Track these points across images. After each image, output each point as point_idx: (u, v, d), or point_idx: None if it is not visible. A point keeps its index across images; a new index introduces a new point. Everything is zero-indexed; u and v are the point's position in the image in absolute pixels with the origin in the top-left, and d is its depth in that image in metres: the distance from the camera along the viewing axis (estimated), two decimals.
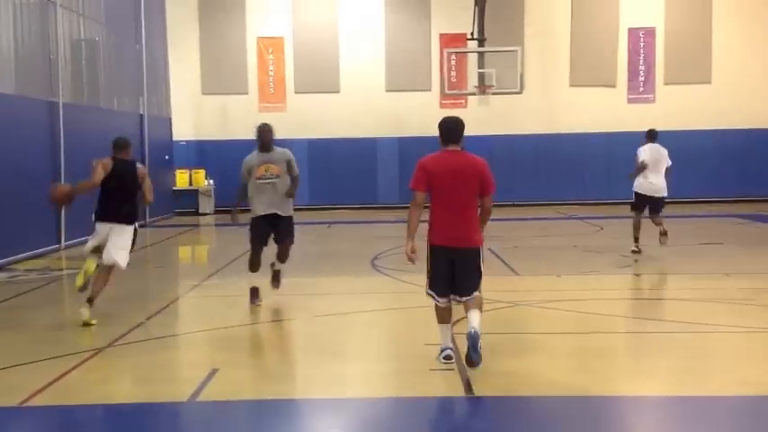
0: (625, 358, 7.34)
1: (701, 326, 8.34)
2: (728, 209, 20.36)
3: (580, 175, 23.23)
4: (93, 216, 8.94)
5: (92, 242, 8.86)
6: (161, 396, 6.14)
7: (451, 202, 6.50)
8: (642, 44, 23.50)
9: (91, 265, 8.77)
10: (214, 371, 6.62)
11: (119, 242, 8.75)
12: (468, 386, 6.17)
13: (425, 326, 8.54)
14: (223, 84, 23.51)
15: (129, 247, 8.95)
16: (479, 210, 6.69)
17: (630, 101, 23.55)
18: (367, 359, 7.38)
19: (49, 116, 14.83)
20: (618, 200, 20.98)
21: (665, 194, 13.03)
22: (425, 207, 6.58)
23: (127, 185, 9.10)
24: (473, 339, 6.34)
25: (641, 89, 23.59)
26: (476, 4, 21.08)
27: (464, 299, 6.56)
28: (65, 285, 11.93)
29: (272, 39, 23.57)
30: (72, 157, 15.26)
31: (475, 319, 6.42)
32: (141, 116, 19.98)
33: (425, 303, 9.79)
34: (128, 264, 8.85)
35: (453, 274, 6.53)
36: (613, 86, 23.52)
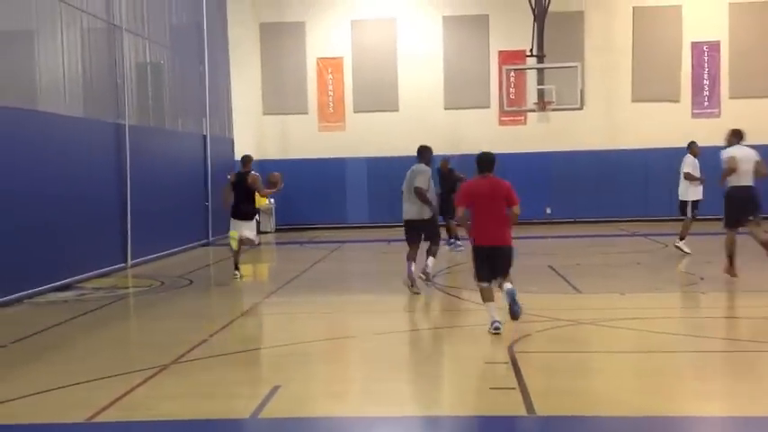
0: (688, 378, 7.18)
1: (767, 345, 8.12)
2: None
3: (643, 191, 22.85)
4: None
5: (232, 229, 13.28)
6: (224, 413, 6.22)
7: (488, 213, 8.70)
8: (706, 58, 23.08)
9: (233, 242, 13.24)
10: (276, 388, 6.69)
11: (246, 231, 13.25)
12: (529, 405, 6.11)
13: (485, 344, 8.50)
14: (283, 104, 23.85)
15: (255, 230, 13.47)
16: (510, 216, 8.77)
17: (695, 115, 23.13)
18: (427, 377, 7.36)
19: (115, 138, 15.23)
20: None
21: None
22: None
23: (242, 191, 13.11)
24: (511, 294, 8.62)
25: (706, 103, 23.15)
26: (535, 20, 21.01)
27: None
28: (131, 303, 12.20)
29: (332, 59, 23.84)
30: (138, 178, 15.63)
31: (508, 284, 8.67)
32: (204, 137, 20.37)
33: (484, 322, 9.76)
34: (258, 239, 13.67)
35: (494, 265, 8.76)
36: (677, 101, 23.14)
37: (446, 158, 17.44)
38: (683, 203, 15.39)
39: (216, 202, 20.53)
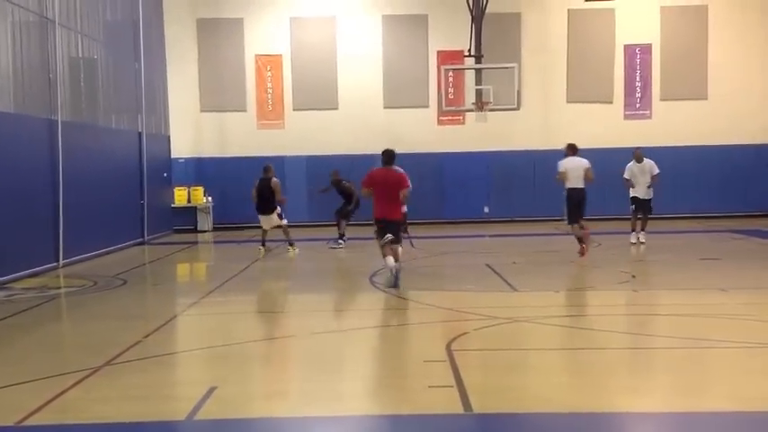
0: (621, 374, 7.34)
1: (698, 341, 8.35)
2: (725, 224, 20.40)
3: None
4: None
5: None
6: (159, 414, 6.13)
7: (383, 195, 11.68)
8: (638, 60, 23.62)
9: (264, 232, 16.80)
10: (212, 389, 6.62)
11: (271, 220, 16.65)
12: (466, 403, 6.17)
13: (423, 342, 8.56)
14: (221, 101, 23.60)
15: (278, 217, 16.62)
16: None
17: (627, 117, 23.64)
18: (365, 376, 7.38)
19: (48, 134, 14.88)
20: (614, 215, 21.07)
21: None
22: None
23: (264, 194, 16.57)
24: (397, 270, 11.53)
25: (638, 105, 23.69)
26: (473, 21, 21.21)
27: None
28: (62, 303, 11.93)
29: (271, 56, 23.68)
30: (70, 175, 15.30)
31: (397, 262, 11.58)
32: (139, 134, 20.03)
33: (424, 320, 9.81)
34: (282, 220, 16.66)
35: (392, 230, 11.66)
36: (610, 102, 23.62)
37: (335, 170, 18.54)
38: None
39: (151, 199, 20.25)
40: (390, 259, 11.52)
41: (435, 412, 6.07)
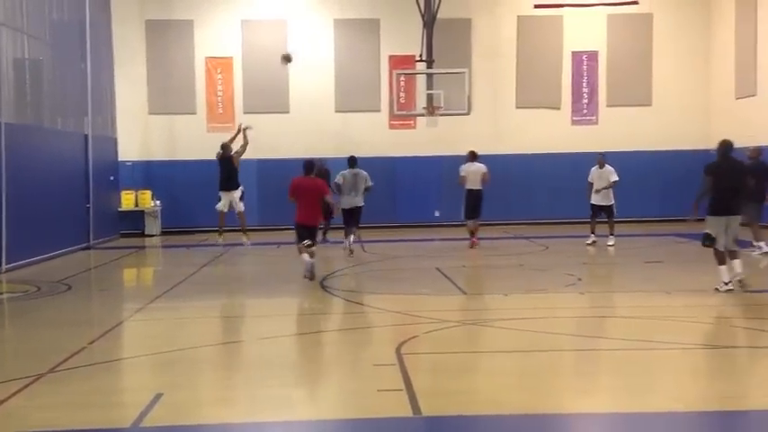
0: (568, 376, 7.45)
1: (643, 342, 8.50)
2: (667, 228, 20.80)
3: (526, 195, 23.54)
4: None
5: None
6: (104, 422, 6.04)
7: (304, 202, 12.91)
8: (585, 67, 23.98)
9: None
10: (159, 395, 6.53)
11: (232, 197, 18.09)
12: (416, 406, 6.20)
13: (373, 346, 8.57)
14: (170, 104, 23.32)
15: (240, 196, 18.03)
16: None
17: (574, 122, 23.97)
18: (314, 381, 7.37)
19: None
20: (563, 219, 21.37)
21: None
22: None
23: (226, 170, 18.30)
24: (311, 264, 12.61)
25: (585, 111, 24.04)
26: (424, 26, 21.32)
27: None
28: (5, 309, 11.66)
29: (221, 59, 23.48)
30: (14, 177, 14.96)
31: (312, 258, 12.68)
32: (86, 136, 19.69)
33: (374, 324, 9.82)
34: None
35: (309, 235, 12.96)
36: (558, 108, 23.93)
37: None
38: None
39: (97, 203, 19.89)
40: (306, 256, 12.69)
41: (385, 416, 6.09)
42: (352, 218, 16.68)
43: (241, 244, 18.02)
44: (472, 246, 17.44)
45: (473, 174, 17.42)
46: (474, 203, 17.44)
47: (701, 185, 11.61)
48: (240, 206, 18.20)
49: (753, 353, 8.30)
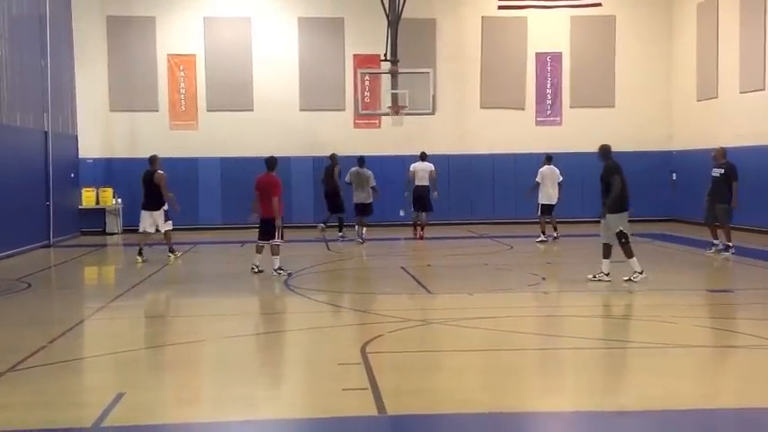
0: (534, 375, 7.48)
1: (606, 342, 8.58)
2: (630, 228, 20.99)
3: (490, 194, 23.67)
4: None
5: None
6: (65, 421, 5.93)
7: (262, 198, 13.46)
8: (549, 68, 24.17)
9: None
10: (120, 395, 6.44)
11: (153, 219, 15.68)
12: (380, 405, 6.18)
13: (338, 345, 8.54)
14: (132, 101, 23.03)
15: (163, 216, 15.74)
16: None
17: (538, 123, 24.14)
18: (279, 380, 7.31)
19: None
20: (526, 219, 21.48)
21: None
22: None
23: (149, 188, 15.73)
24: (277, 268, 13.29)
25: (548, 112, 24.23)
26: (388, 26, 21.31)
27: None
28: None
29: (184, 56, 23.24)
30: None
31: (276, 260, 13.33)
32: (45, 133, 19.37)
33: (338, 323, 9.80)
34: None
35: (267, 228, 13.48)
36: (522, 109, 24.08)
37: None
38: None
39: (57, 200, 19.58)
40: (258, 258, 13.55)
41: (349, 415, 6.06)
42: (361, 212, 18.82)
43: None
44: (420, 238, 18.96)
45: (421, 171, 19.43)
46: (419, 198, 19.37)
47: (615, 186, 12.00)
48: (165, 225, 15.76)
49: (721, 352, 8.41)
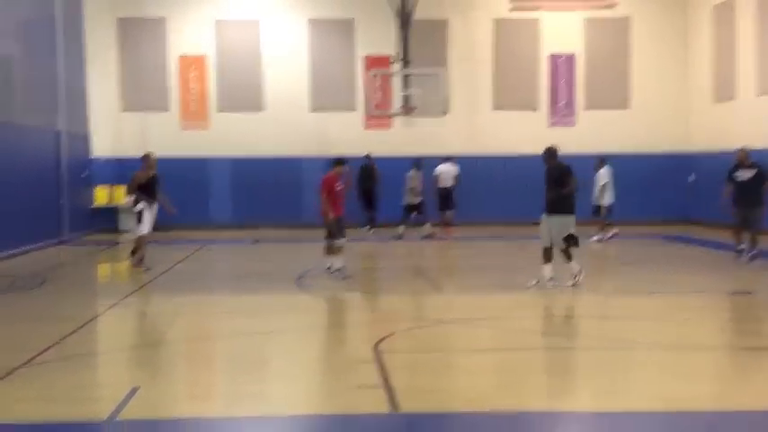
0: (547, 375, 7.45)
1: (622, 342, 8.54)
2: (645, 230, 20.95)
3: (503, 196, 23.60)
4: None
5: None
6: (80, 416, 5.95)
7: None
8: (563, 70, 24.10)
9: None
10: (135, 389, 6.45)
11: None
12: (393, 402, 6.17)
13: (351, 343, 8.54)
14: (143, 101, 23.11)
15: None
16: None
17: (552, 124, 24.06)
18: (292, 377, 7.31)
19: None
20: (539, 220, 21.39)
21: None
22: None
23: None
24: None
25: (562, 113, 24.17)
26: (400, 26, 21.31)
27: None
28: None
29: (194, 57, 23.31)
30: None
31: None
32: (58, 132, 19.47)
33: (350, 321, 9.78)
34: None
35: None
36: (535, 110, 24.02)
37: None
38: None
39: (70, 199, 19.66)
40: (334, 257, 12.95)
41: (362, 412, 6.05)
42: (415, 212, 19.76)
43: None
44: (446, 239, 19.19)
45: (446, 173, 19.74)
46: (445, 197, 19.76)
47: (570, 186, 11.64)
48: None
49: (739, 353, 8.37)
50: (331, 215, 12.60)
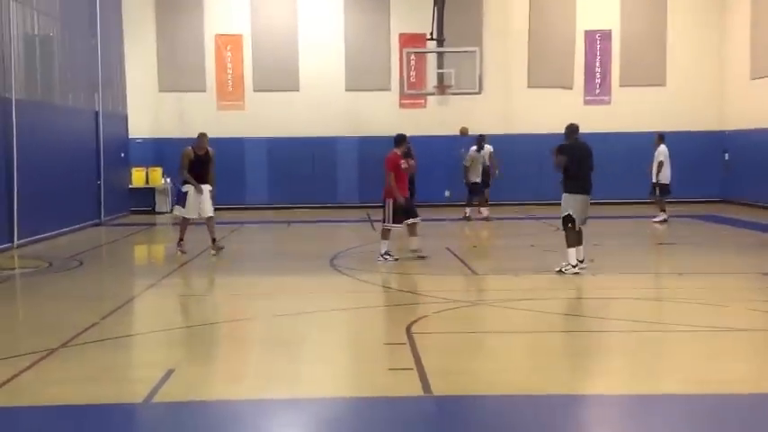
0: (581, 357, 7.42)
1: (656, 324, 8.47)
2: (681, 209, 20.67)
3: (537, 175, 23.40)
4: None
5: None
6: (116, 397, 6.06)
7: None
8: (598, 47, 23.77)
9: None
10: (170, 371, 6.55)
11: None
12: (426, 385, 6.19)
13: (384, 325, 8.57)
14: (180, 81, 23.25)
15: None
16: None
17: (587, 102, 23.79)
18: (326, 359, 7.36)
19: (1, 113, 14.53)
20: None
21: None
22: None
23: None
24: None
25: (598, 91, 23.86)
26: (435, 4, 21.14)
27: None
28: (17, 284, 11.71)
29: (231, 36, 23.38)
30: (25, 154, 14.98)
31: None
32: (96, 113, 19.68)
33: (383, 303, 9.81)
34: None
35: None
36: (570, 88, 23.75)
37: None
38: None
39: (108, 180, 19.91)
40: (412, 239, 12.94)
41: (395, 395, 6.08)
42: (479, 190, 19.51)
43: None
44: (485, 219, 19.17)
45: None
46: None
47: (556, 162, 11.39)
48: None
49: None
50: (400, 196, 12.34)
